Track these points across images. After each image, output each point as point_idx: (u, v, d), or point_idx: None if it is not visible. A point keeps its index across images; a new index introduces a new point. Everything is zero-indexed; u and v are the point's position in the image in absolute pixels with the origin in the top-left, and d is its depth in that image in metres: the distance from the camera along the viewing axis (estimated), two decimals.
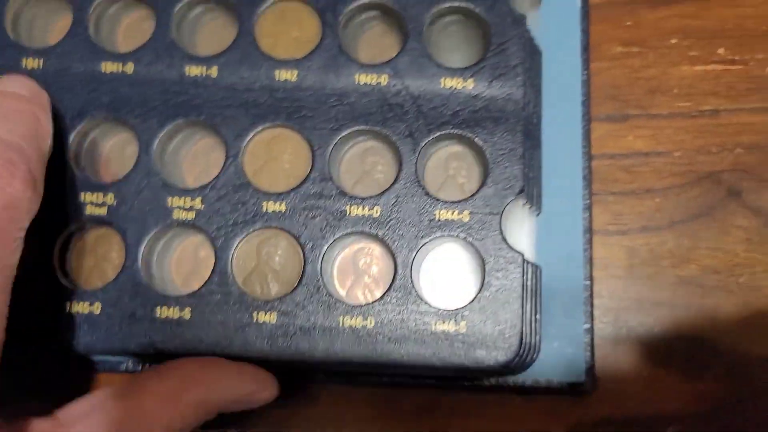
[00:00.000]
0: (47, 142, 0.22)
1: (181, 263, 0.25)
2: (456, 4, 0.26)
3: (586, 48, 0.27)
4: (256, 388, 0.23)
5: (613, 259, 0.26)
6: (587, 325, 0.24)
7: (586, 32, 0.27)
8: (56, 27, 0.27)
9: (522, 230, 0.25)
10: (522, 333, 0.23)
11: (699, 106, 0.27)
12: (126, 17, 0.27)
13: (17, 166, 0.20)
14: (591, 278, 0.25)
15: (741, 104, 0.27)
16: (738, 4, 0.28)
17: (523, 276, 0.23)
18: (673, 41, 0.28)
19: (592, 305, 0.25)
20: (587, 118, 0.26)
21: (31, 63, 0.25)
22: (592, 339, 0.24)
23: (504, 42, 0.25)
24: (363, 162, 0.25)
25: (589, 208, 0.25)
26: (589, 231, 0.25)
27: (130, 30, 0.27)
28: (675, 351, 0.25)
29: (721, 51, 0.27)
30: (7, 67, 0.25)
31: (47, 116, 0.23)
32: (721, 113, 0.27)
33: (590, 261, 0.25)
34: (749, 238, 0.26)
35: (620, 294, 0.25)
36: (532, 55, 0.26)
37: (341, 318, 0.23)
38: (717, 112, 0.27)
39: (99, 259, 0.24)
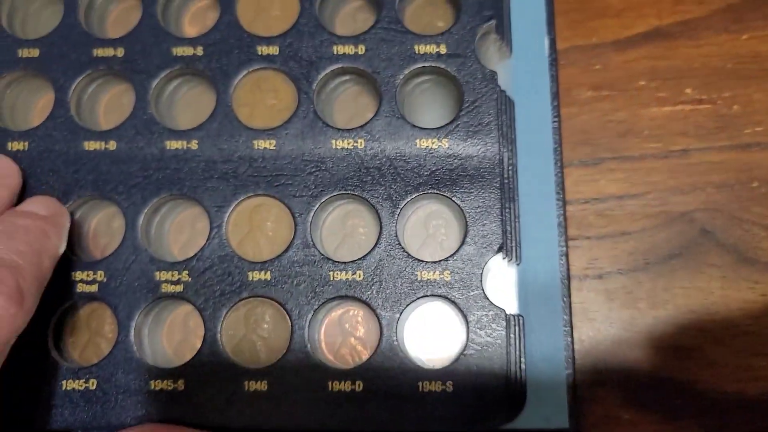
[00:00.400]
0: (51, 257, 0.23)
1: (172, 333, 0.26)
2: (427, 64, 0.27)
3: (556, 95, 0.28)
4: None
5: (590, 303, 0.27)
6: (569, 371, 0.25)
7: (555, 79, 0.28)
8: (38, 105, 0.28)
9: (503, 284, 0.26)
10: (508, 387, 0.24)
11: (669, 146, 0.28)
12: (106, 94, 0.28)
13: (3, 281, 0.21)
14: (571, 324, 0.26)
15: (710, 143, 0.28)
16: (702, 44, 0.29)
17: (506, 331, 0.24)
18: (642, 83, 0.29)
19: (573, 351, 0.26)
20: (560, 165, 0.27)
21: (17, 145, 0.26)
22: (574, 385, 0.25)
23: (476, 100, 0.26)
24: (344, 225, 0.27)
25: (565, 254, 0.26)
26: (567, 278, 0.26)
27: (111, 105, 0.28)
28: (654, 392, 0.26)
29: (688, 91, 0.28)
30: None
31: (59, 233, 0.24)
32: (691, 153, 0.28)
33: (569, 307, 0.26)
34: (723, 276, 0.27)
35: (599, 338, 0.26)
36: (506, 108, 0.27)
37: (330, 383, 0.24)
38: (687, 152, 0.28)
39: (93, 334, 0.26)
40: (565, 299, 0.26)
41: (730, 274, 0.27)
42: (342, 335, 0.26)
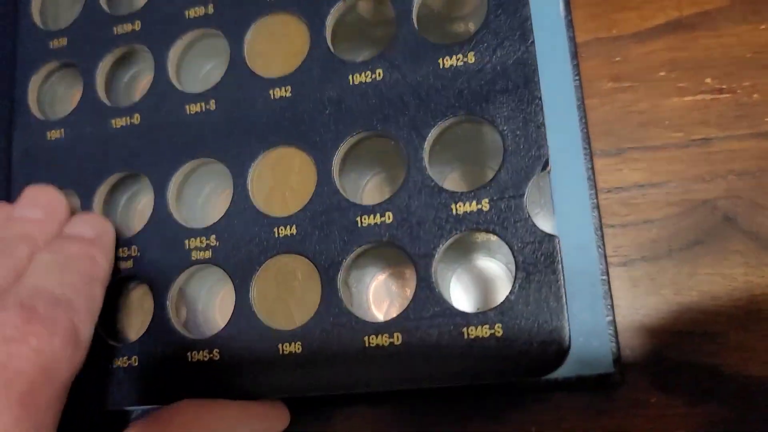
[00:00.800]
0: (101, 282, 0.24)
1: (224, 305, 0.27)
2: None
3: (574, 55, 0.28)
4: (263, 425, 0.24)
5: (616, 291, 0.27)
6: (609, 318, 0.24)
7: (573, 40, 0.28)
8: (76, 96, 0.29)
9: (549, 208, 0.24)
10: (557, 328, 0.22)
11: (690, 135, 0.29)
12: (141, 80, 0.29)
13: (59, 323, 0.21)
14: (607, 273, 0.25)
15: (731, 131, 0.29)
16: (721, 34, 0.30)
17: (558, 261, 0.23)
18: (662, 74, 0.29)
19: (612, 297, 0.25)
20: (584, 121, 0.27)
21: (55, 134, 0.27)
22: (615, 331, 0.25)
23: (502, 3, 0.25)
24: (383, 194, 0.27)
25: (596, 207, 0.26)
26: (600, 228, 0.26)
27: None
28: (680, 377, 0.26)
29: (708, 81, 0.29)
30: (34, 141, 0.27)
31: (106, 254, 0.25)
32: (712, 141, 0.29)
33: (605, 257, 0.25)
34: (746, 262, 0.27)
35: (625, 324, 0.27)
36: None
37: (366, 338, 0.23)
38: (708, 141, 0.29)
39: (146, 315, 0.26)
40: (600, 249, 0.25)
41: (752, 260, 0.27)
42: (389, 297, 0.26)
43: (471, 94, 0.24)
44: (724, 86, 0.29)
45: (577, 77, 0.29)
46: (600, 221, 0.27)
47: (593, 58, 0.30)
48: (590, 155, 0.28)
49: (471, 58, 0.24)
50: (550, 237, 0.23)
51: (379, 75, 0.25)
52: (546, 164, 0.23)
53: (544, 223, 0.24)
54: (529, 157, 0.23)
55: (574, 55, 0.29)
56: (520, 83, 0.24)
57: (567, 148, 0.28)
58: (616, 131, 0.29)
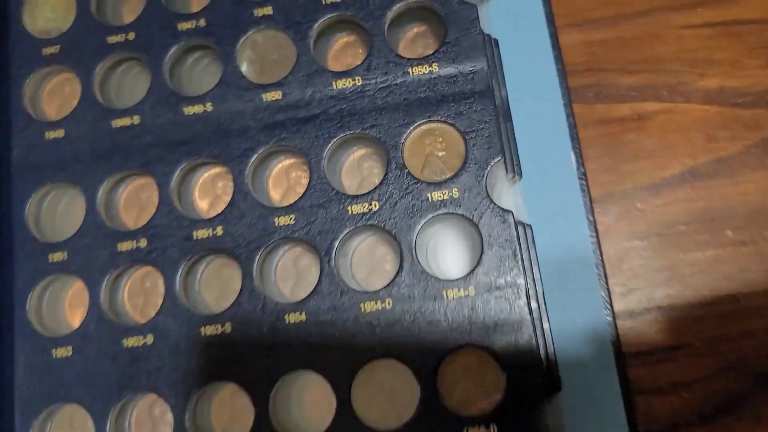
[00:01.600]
0: None
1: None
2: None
3: (590, 210, 0.29)
4: None
5: None
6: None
7: (587, 191, 0.30)
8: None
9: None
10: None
11: (715, 293, 0.29)
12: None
13: None
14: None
15: (756, 287, 0.29)
16: (739, 182, 0.30)
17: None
18: (681, 227, 0.29)
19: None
20: (611, 314, 0.29)
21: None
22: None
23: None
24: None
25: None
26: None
27: None
28: None
29: (729, 233, 0.29)
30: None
31: None
32: (738, 298, 0.29)
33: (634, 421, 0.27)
34: None
35: None
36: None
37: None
38: (735, 298, 0.29)
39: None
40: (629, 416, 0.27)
41: None
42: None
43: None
44: (745, 238, 0.29)
45: (594, 235, 0.29)
46: (628, 387, 0.27)
47: (609, 213, 0.30)
48: (613, 317, 0.28)
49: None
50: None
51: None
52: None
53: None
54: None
55: (590, 211, 0.29)
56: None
57: (589, 311, 0.28)
58: (638, 289, 0.29)
